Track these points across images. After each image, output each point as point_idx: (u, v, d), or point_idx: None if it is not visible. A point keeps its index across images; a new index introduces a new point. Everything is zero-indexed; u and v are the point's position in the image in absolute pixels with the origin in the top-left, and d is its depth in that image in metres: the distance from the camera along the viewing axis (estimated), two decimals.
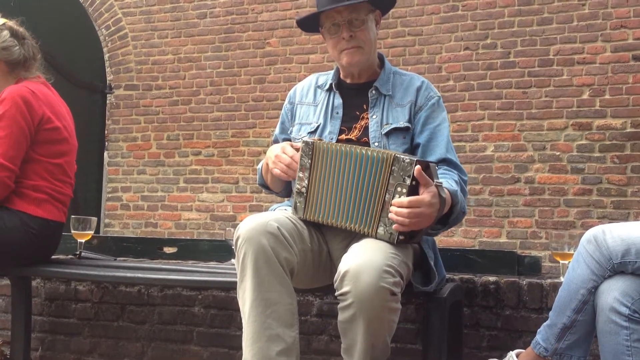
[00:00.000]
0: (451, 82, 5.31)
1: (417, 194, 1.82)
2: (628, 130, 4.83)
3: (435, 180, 1.85)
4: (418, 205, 1.80)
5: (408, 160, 1.82)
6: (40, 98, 2.51)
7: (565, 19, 5.05)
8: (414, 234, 1.89)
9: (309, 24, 2.24)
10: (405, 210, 1.81)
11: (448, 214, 1.98)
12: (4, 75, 2.56)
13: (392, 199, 1.84)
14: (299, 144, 2.03)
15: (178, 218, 6.11)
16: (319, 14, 2.15)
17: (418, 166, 1.81)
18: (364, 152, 1.90)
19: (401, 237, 1.86)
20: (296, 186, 2.02)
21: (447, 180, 2.00)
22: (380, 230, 1.87)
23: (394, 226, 1.84)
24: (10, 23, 2.61)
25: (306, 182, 1.99)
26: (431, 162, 1.89)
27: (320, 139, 2.05)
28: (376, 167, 1.87)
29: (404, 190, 1.82)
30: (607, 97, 4.91)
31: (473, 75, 5.26)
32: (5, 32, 2.56)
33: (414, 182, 1.82)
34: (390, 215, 1.84)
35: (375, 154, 1.88)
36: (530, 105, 5.10)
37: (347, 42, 2.11)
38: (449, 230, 5.11)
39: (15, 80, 2.56)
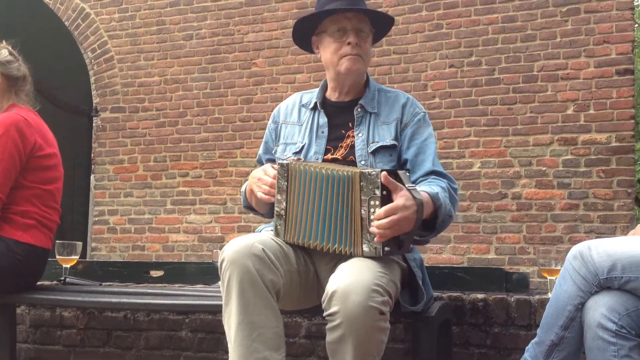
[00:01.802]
0: (437, 100, 5.33)
1: (391, 202, 1.80)
2: (613, 144, 4.86)
3: (407, 185, 1.83)
4: (394, 212, 1.77)
5: (374, 173, 1.81)
6: (33, 125, 2.52)
7: (548, 35, 5.09)
8: (400, 244, 1.85)
9: (303, 29, 2.21)
10: (384, 221, 1.78)
11: (434, 219, 1.96)
12: (2, 93, 2.57)
13: (368, 213, 1.82)
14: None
15: (166, 240, 6.06)
16: (323, 18, 2.14)
17: (384, 172, 1.79)
18: (329, 172, 1.88)
19: (387, 248, 1.82)
20: (275, 209, 2.00)
21: (430, 186, 1.98)
22: (365, 247, 1.84)
23: (375, 238, 1.81)
24: (6, 44, 2.65)
25: (284, 204, 1.97)
26: (399, 170, 1.86)
27: (298, 159, 2.04)
28: (344, 186, 1.85)
29: (377, 203, 1.80)
30: (591, 112, 4.94)
31: (458, 92, 5.29)
32: (4, 50, 2.61)
33: (384, 192, 1.80)
34: (370, 229, 1.81)
35: (340, 174, 1.86)
36: (515, 122, 5.12)
37: (352, 47, 2.12)
38: (438, 247, 5.14)
39: (7, 104, 2.57)
